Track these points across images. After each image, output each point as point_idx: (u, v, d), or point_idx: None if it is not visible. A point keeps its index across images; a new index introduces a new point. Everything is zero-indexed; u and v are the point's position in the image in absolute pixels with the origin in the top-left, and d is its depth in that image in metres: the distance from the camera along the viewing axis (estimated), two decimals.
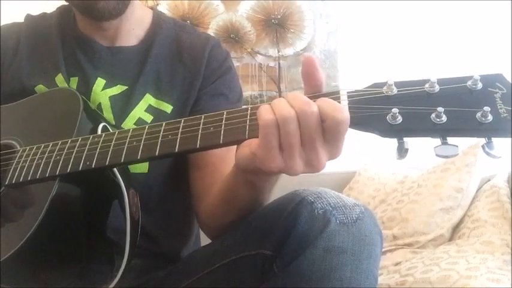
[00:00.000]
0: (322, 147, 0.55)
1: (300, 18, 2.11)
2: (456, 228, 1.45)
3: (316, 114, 0.54)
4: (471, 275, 1.07)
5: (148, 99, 0.90)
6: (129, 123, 0.88)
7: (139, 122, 0.89)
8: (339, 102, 0.56)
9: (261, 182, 0.67)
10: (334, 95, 0.57)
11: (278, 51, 2.11)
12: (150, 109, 0.90)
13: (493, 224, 1.32)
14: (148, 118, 0.89)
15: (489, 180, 1.54)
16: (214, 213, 0.82)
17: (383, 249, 1.07)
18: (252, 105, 0.61)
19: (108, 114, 0.89)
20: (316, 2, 2.10)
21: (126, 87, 0.91)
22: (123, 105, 0.90)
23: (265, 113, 0.56)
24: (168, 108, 0.91)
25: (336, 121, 0.53)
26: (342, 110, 0.53)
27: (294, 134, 0.55)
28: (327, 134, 0.55)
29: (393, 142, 0.55)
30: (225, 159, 0.84)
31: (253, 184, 0.68)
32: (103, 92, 0.90)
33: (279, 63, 2.11)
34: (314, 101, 0.55)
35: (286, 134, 0.55)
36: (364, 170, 1.91)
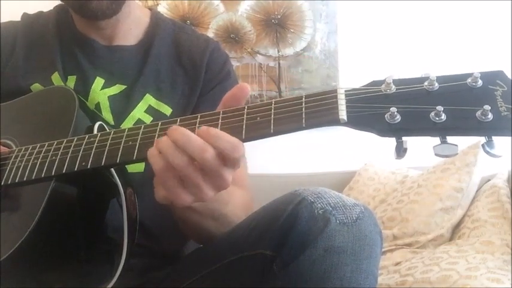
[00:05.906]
0: (224, 170, 0.57)
1: (300, 18, 2.10)
2: (456, 228, 1.45)
3: (214, 157, 0.55)
4: (471, 275, 1.06)
5: (149, 100, 0.90)
6: (128, 124, 0.88)
7: (139, 123, 0.88)
8: (337, 102, 0.55)
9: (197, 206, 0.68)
10: (331, 94, 0.56)
11: (278, 51, 2.10)
12: (150, 110, 0.90)
13: (493, 224, 1.32)
14: (148, 119, 0.89)
15: (489, 180, 1.53)
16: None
17: (383, 249, 1.07)
18: (249, 104, 0.60)
19: (107, 114, 0.88)
20: (316, 2, 2.09)
21: (125, 86, 0.90)
22: (122, 105, 0.89)
23: (155, 162, 0.57)
24: (167, 110, 0.90)
25: (236, 159, 0.56)
26: (240, 149, 0.56)
27: (194, 173, 0.56)
28: (226, 162, 0.57)
29: (393, 141, 0.54)
30: None
31: (192, 209, 0.69)
32: (102, 92, 0.89)
33: (279, 63, 2.10)
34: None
35: (186, 177, 0.56)
36: (364, 170, 1.91)
